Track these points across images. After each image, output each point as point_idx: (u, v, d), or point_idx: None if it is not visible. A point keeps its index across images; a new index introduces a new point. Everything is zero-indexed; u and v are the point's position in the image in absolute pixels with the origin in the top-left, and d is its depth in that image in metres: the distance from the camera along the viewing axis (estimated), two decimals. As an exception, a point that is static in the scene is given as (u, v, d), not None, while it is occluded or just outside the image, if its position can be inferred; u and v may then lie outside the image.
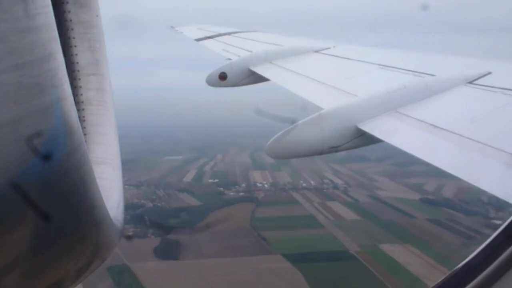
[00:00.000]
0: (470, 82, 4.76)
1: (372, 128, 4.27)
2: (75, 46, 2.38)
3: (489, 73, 4.90)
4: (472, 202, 62.57)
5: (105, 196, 1.43)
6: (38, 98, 0.89)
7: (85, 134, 2.25)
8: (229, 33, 12.90)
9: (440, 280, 1.71)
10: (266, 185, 77.91)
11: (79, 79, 2.41)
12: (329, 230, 53.94)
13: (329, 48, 8.71)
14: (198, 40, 12.86)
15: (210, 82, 8.59)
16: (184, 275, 42.73)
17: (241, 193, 71.97)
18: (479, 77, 4.82)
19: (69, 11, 2.31)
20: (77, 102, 2.33)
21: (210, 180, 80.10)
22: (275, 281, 38.95)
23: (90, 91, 2.42)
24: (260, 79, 8.30)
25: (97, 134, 2.35)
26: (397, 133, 4.18)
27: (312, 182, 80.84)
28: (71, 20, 2.33)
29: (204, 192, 71.47)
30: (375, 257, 45.29)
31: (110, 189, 1.98)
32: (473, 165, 3.25)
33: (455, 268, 1.72)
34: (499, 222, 56.46)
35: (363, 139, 4.43)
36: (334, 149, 4.47)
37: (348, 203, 65.69)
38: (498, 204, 60.39)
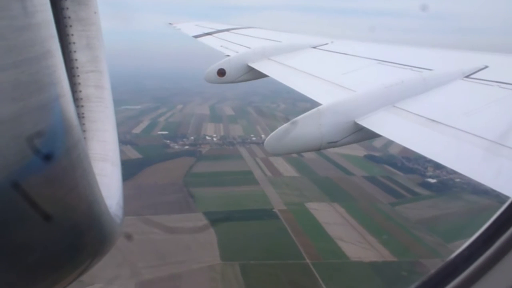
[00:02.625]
0: (467, 76, 4.75)
1: (370, 123, 4.22)
2: (74, 43, 2.35)
3: (486, 67, 4.89)
4: (414, 160, 62.52)
5: (104, 193, 1.42)
6: (36, 95, 0.89)
7: (84, 131, 2.27)
8: (227, 30, 12.95)
9: (434, 269, 1.64)
10: (215, 139, 76.52)
11: (78, 76, 2.39)
12: (262, 187, 53.55)
13: (326, 43, 8.66)
14: (196, 36, 12.79)
15: (208, 78, 8.59)
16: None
17: (186, 147, 70.54)
18: (476, 71, 4.81)
19: (67, 8, 2.28)
20: (76, 99, 2.33)
21: (159, 132, 78.06)
22: (185, 241, 38.42)
23: (89, 88, 2.40)
24: (258, 75, 8.23)
25: (96, 131, 2.32)
26: (394, 127, 4.16)
27: (263, 136, 79.54)
28: (69, 17, 2.30)
29: (148, 145, 69.48)
30: (297, 215, 45.28)
31: (110, 186, 1.95)
32: (470, 158, 3.22)
33: (448, 258, 1.66)
34: (433, 180, 56.97)
35: (361, 134, 4.39)
36: (333, 144, 4.47)
37: (292, 159, 65.04)
38: (438, 162, 60.49)
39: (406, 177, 57.64)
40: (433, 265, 30.89)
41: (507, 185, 2.77)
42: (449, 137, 3.57)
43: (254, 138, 76.98)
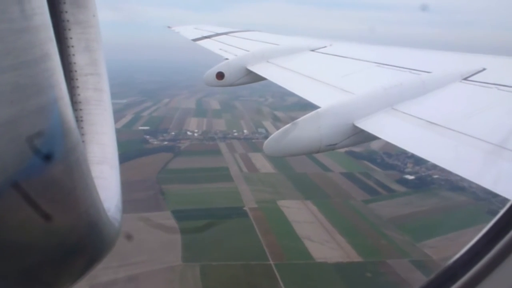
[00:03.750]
0: (465, 79, 4.79)
1: (368, 125, 4.22)
2: (73, 46, 2.33)
3: (484, 69, 4.93)
4: (395, 156, 61.63)
5: (103, 196, 1.41)
6: (34, 98, 0.90)
7: (83, 134, 2.26)
8: (225, 33, 12.93)
9: (434, 273, 1.66)
10: (196, 134, 75.46)
11: (77, 79, 2.37)
12: (236, 184, 52.65)
13: (325, 46, 8.65)
14: (195, 40, 12.83)
15: (207, 81, 8.54)
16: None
17: (166, 142, 69.49)
18: (474, 73, 4.85)
19: (66, 12, 2.26)
20: (75, 102, 2.33)
21: (140, 127, 76.96)
22: (148, 241, 37.54)
23: (88, 91, 2.39)
24: (257, 78, 8.22)
25: (95, 134, 2.30)
26: (393, 129, 4.17)
27: (245, 131, 78.50)
28: (68, 21, 2.29)
29: (127, 140, 68.31)
30: (267, 214, 44.47)
31: (108, 189, 1.95)
32: (469, 160, 3.23)
33: (448, 262, 1.67)
34: (411, 177, 56.10)
35: (360, 136, 4.39)
36: (332, 146, 4.46)
37: (271, 155, 63.96)
38: (419, 158, 59.63)
39: (384, 174, 56.80)
40: (399, 266, 30.04)
41: (506, 187, 2.74)
42: (448, 139, 3.55)
43: (236, 134, 75.94)
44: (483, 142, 3.28)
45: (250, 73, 8.42)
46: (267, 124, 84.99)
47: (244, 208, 45.78)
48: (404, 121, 4.24)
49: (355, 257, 36.59)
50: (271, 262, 35.45)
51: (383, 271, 34.90)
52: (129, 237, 38.55)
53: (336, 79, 6.09)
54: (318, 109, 4.59)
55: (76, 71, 2.38)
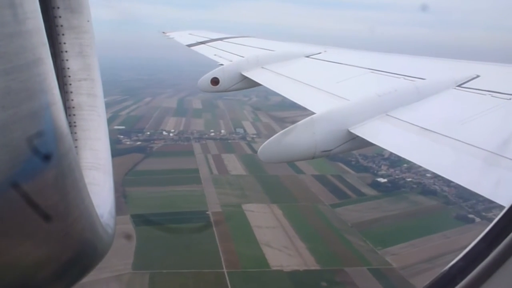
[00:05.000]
0: (459, 85, 4.85)
1: (363, 131, 4.27)
2: (66, 51, 2.36)
3: (478, 76, 5.00)
4: (370, 158, 60.55)
5: (96, 202, 1.41)
6: (27, 103, 0.89)
7: (76, 140, 2.28)
8: (220, 39, 12.98)
9: (436, 275, 1.67)
10: (171, 134, 74.07)
11: (70, 84, 2.39)
12: (203, 187, 51.39)
13: (320, 53, 8.70)
14: (189, 45, 12.86)
15: (202, 87, 8.59)
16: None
17: (139, 142, 68.10)
18: (468, 80, 4.91)
19: (60, 17, 2.29)
20: (68, 107, 2.35)
21: (115, 127, 75.37)
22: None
23: (81, 96, 2.41)
24: (252, 83, 8.29)
25: (88, 140, 2.32)
26: (388, 136, 4.21)
27: (223, 131, 77.21)
28: (62, 26, 2.31)
29: (99, 140, 66.48)
30: (230, 218, 43.23)
31: (101, 195, 1.95)
32: (462, 167, 3.24)
33: (445, 267, 1.67)
34: (384, 180, 54.99)
35: (355, 142, 4.43)
36: (326, 152, 4.48)
37: (244, 156, 62.96)
38: (395, 160, 58.51)
39: (357, 176, 55.69)
40: (357, 274, 28.72)
41: (501, 193, 2.72)
42: (442, 146, 3.57)
43: (212, 134, 74.58)
44: (477, 148, 3.28)
45: (244, 78, 8.44)
46: (247, 124, 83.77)
47: (207, 212, 44.57)
48: (399, 128, 4.21)
49: (312, 264, 35.45)
50: (225, 270, 34.26)
51: (339, 280, 33.78)
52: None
53: (331, 85, 6.08)
54: (313, 115, 4.55)
55: (69, 76, 2.36)
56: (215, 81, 8.48)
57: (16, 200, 0.88)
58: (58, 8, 2.25)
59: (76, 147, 2.13)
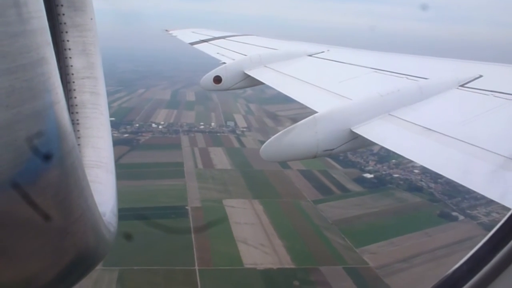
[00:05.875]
0: (462, 85, 4.84)
1: (365, 131, 4.26)
2: (69, 49, 2.36)
3: (480, 76, 4.99)
4: (358, 153, 59.42)
5: (98, 200, 1.42)
6: (30, 102, 0.90)
7: (78, 137, 2.28)
8: (223, 37, 12.98)
9: (440, 278, 1.65)
10: (161, 126, 73.19)
11: (73, 82, 2.39)
12: (186, 181, 50.64)
13: (322, 52, 8.71)
14: (192, 43, 12.90)
15: (204, 85, 8.62)
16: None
17: (126, 135, 67.34)
18: (471, 80, 4.90)
19: (63, 14, 2.28)
20: (71, 105, 2.34)
21: (105, 119, 74.53)
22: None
23: (84, 94, 2.41)
24: (254, 82, 8.29)
25: (91, 138, 2.33)
26: (390, 136, 4.19)
27: (213, 124, 76.24)
28: (65, 23, 2.30)
29: (86, 132, 65.81)
30: (209, 214, 42.60)
31: (104, 193, 1.95)
32: (465, 167, 3.23)
33: (447, 272, 1.66)
34: (370, 176, 53.93)
35: (357, 142, 4.42)
36: (328, 152, 4.46)
37: (231, 150, 62.11)
38: (383, 156, 57.36)
39: (343, 172, 54.68)
40: (331, 274, 27.80)
41: (505, 195, 2.71)
42: (444, 146, 3.53)
43: (202, 127, 73.63)
44: (479, 148, 3.27)
45: (247, 77, 8.42)
46: (238, 117, 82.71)
47: (186, 207, 43.82)
48: (401, 127, 4.18)
49: (287, 263, 34.69)
50: (196, 268, 33.59)
51: (313, 279, 33.02)
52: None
53: (334, 84, 6.05)
54: (315, 114, 4.52)
55: (72, 74, 2.37)
56: (217, 80, 8.50)
57: (19, 198, 0.89)
58: (62, 6, 2.24)
59: (78, 145, 2.09)
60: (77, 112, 2.34)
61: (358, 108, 4.67)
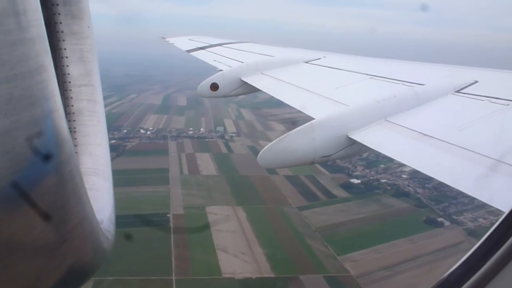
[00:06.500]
0: (458, 91, 4.89)
1: (362, 137, 4.29)
2: (67, 57, 2.39)
3: (476, 82, 5.06)
4: (347, 157, 58.50)
5: (96, 207, 1.43)
6: (29, 110, 0.91)
7: (76, 145, 2.30)
8: (220, 44, 13.04)
9: (436, 281, 1.65)
10: (149, 132, 72.52)
11: (71, 90, 2.42)
12: (170, 188, 49.94)
13: (319, 58, 8.77)
14: (189, 51, 12.93)
15: (201, 92, 8.63)
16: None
17: (113, 141, 66.38)
18: (466, 86, 4.96)
19: (60, 23, 2.31)
20: (68, 113, 2.38)
21: (93, 124, 73.84)
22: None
23: (82, 102, 2.43)
24: (251, 89, 8.35)
25: (88, 145, 2.35)
26: (387, 141, 4.21)
27: (202, 129, 75.60)
28: (62, 32, 2.33)
29: (73, 139, 65.13)
30: (190, 221, 41.75)
31: (101, 200, 1.96)
32: (461, 172, 3.24)
33: (442, 276, 1.65)
34: (357, 181, 53.25)
35: (354, 148, 4.43)
36: (326, 158, 4.48)
37: (218, 155, 61.49)
38: (372, 161, 56.75)
39: (330, 177, 54.00)
40: (311, 283, 27.00)
41: (499, 199, 2.75)
42: (441, 151, 3.54)
43: (191, 132, 72.97)
44: (476, 154, 3.29)
45: (244, 84, 8.46)
46: (228, 122, 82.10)
47: (168, 215, 43.09)
48: (398, 133, 4.21)
49: (267, 272, 33.93)
50: (173, 277, 32.81)
51: (291, 289, 32.25)
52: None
53: (330, 91, 6.09)
54: (312, 121, 4.53)
55: (70, 82, 2.38)
56: (214, 87, 8.49)
57: (17, 206, 0.88)
58: (59, 14, 2.26)
59: (76, 152, 2.10)
60: (74, 120, 2.35)
61: (355, 114, 4.67)
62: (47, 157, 0.95)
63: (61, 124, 1.03)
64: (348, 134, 4.37)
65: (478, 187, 3.02)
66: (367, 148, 4.26)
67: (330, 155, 4.43)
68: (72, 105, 2.37)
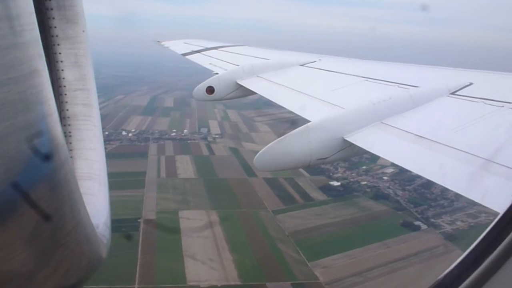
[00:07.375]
0: (453, 93, 4.92)
1: (358, 139, 4.32)
2: (61, 61, 2.37)
3: (470, 83, 5.07)
4: (329, 159, 57.39)
5: (91, 212, 1.42)
6: (23, 114, 0.91)
7: (71, 150, 2.27)
8: (215, 47, 13.19)
9: (438, 277, 1.64)
10: (131, 134, 71.37)
11: (65, 94, 2.40)
12: (145, 192, 48.91)
13: (314, 61, 8.80)
14: (184, 54, 12.92)
15: (197, 95, 8.64)
16: None
17: (93, 143, 65.22)
18: (461, 88, 4.98)
19: (55, 27, 2.29)
20: (63, 118, 2.35)
21: (74, 127, 72.68)
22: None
23: (77, 106, 2.41)
24: (247, 92, 8.33)
25: (84, 150, 2.32)
26: (382, 143, 4.24)
27: (185, 131, 74.52)
28: (57, 36, 2.32)
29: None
30: (161, 227, 40.44)
31: (97, 205, 1.94)
32: (456, 173, 3.25)
33: (437, 278, 1.64)
34: (337, 183, 52.17)
35: (350, 150, 4.46)
36: (322, 160, 4.48)
37: (199, 158, 60.50)
38: (354, 162, 55.69)
39: (310, 179, 52.92)
40: None
41: (493, 200, 2.74)
42: (436, 153, 3.57)
43: (173, 134, 71.82)
44: (470, 155, 3.30)
45: (240, 87, 8.45)
46: (213, 123, 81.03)
47: (139, 220, 41.99)
48: (393, 135, 4.21)
49: (234, 279, 32.86)
50: (136, 286, 31.73)
51: (257, 297, 31.18)
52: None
53: (326, 93, 6.09)
54: (308, 123, 4.51)
55: (64, 86, 2.36)
56: (210, 90, 8.48)
57: (11, 211, 0.88)
58: (54, 18, 2.25)
59: (71, 157, 2.09)
60: (69, 124, 2.32)
61: (350, 117, 4.67)
62: (41, 162, 0.93)
63: (56, 128, 1.02)
64: (344, 137, 4.38)
65: (471, 187, 3.01)
66: (362, 151, 4.28)
67: (326, 158, 4.46)
68: (67, 110, 2.35)
